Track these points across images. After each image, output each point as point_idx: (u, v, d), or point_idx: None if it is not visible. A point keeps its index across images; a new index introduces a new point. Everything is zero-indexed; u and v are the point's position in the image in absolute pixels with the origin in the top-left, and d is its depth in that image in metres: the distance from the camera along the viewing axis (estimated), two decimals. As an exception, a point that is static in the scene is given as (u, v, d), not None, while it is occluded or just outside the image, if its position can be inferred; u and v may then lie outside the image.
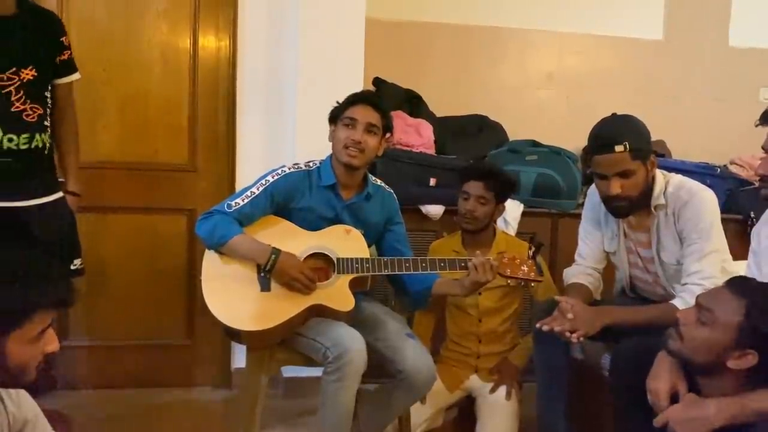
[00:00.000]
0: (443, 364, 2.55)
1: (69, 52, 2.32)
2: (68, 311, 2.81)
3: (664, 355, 1.63)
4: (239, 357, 2.97)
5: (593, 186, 2.23)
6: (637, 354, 1.79)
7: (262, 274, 2.10)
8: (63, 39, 2.30)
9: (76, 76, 2.36)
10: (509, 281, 2.15)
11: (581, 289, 2.23)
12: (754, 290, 1.51)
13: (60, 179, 2.38)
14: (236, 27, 2.91)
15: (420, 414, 2.44)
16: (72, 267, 2.38)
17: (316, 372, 2.11)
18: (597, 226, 2.29)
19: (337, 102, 2.25)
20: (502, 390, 2.45)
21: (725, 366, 1.48)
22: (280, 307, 2.07)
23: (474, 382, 2.54)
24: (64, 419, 2.46)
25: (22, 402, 1.39)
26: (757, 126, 1.74)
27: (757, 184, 3.38)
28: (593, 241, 2.31)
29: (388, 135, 2.26)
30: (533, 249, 2.14)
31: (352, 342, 1.99)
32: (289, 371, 2.91)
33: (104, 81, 2.49)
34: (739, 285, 1.53)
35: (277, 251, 2.08)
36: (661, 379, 1.60)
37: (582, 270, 2.31)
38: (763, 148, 1.73)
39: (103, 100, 2.46)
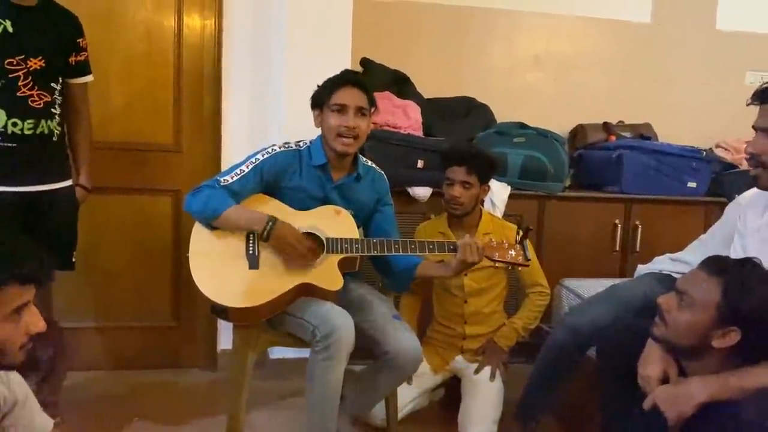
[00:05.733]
0: (429, 346, 2.56)
1: (85, 54, 2.36)
2: (52, 293, 2.79)
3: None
4: (226, 339, 2.96)
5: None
6: (624, 336, 1.81)
7: (251, 252, 2.09)
8: (80, 41, 2.33)
9: (89, 78, 2.40)
10: (497, 264, 2.15)
11: None
12: (728, 268, 1.52)
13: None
14: (222, 5, 2.87)
15: (406, 395, 2.46)
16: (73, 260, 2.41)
17: (303, 353, 2.11)
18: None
19: (318, 85, 2.21)
20: (487, 370, 2.47)
21: (711, 347, 1.50)
22: (268, 285, 2.06)
23: (459, 362, 2.56)
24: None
25: (12, 382, 1.39)
26: (748, 105, 1.74)
27: (745, 164, 3.42)
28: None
29: (373, 110, 2.24)
30: (521, 234, 2.14)
31: (341, 321, 1.98)
32: (276, 353, 2.92)
33: (87, 59, 2.46)
34: (713, 265, 1.54)
35: (274, 218, 2.07)
36: (652, 365, 1.62)
37: None
38: (753, 127, 1.73)
39: (91, 80, 2.43)
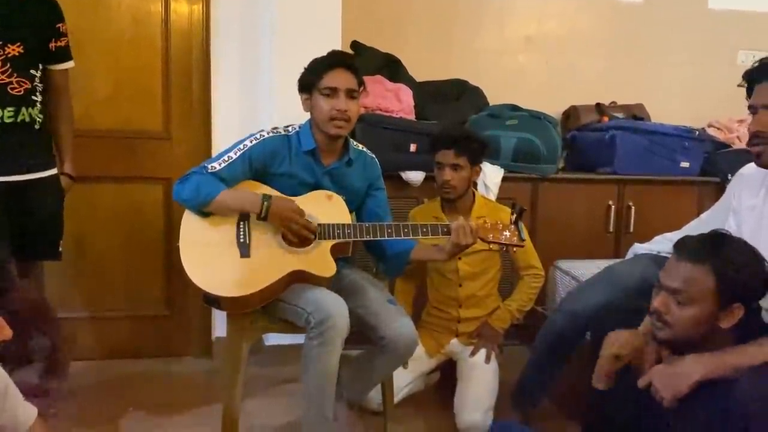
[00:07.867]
0: (424, 330, 2.56)
1: (66, 39, 2.32)
2: (44, 284, 2.77)
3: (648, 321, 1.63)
4: (220, 326, 2.96)
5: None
6: (616, 318, 1.80)
7: (242, 240, 2.07)
8: (60, 26, 2.29)
9: (70, 64, 2.36)
10: (491, 246, 2.15)
11: None
12: (709, 251, 1.51)
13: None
14: (209, -10, 2.83)
15: (402, 379, 2.47)
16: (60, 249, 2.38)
17: (298, 339, 2.10)
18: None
19: (305, 67, 2.17)
20: (482, 353, 2.47)
21: (719, 328, 1.50)
22: (260, 273, 2.04)
23: (455, 346, 2.56)
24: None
25: None
26: (740, 86, 1.72)
27: (737, 143, 3.41)
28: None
29: (361, 89, 2.20)
30: (515, 214, 2.12)
31: (335, 306, 1.97)
32: (272, 339, 2.91)
33: (72, 46, 2.41)
34: (691, 251, 1.52)
35: (268, 196, 2.05)
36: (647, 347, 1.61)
37: None
38: (752, 106, 1.71)
39: (72, 67, 2.39)
